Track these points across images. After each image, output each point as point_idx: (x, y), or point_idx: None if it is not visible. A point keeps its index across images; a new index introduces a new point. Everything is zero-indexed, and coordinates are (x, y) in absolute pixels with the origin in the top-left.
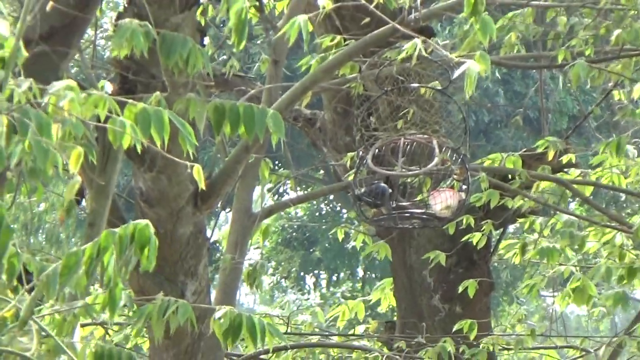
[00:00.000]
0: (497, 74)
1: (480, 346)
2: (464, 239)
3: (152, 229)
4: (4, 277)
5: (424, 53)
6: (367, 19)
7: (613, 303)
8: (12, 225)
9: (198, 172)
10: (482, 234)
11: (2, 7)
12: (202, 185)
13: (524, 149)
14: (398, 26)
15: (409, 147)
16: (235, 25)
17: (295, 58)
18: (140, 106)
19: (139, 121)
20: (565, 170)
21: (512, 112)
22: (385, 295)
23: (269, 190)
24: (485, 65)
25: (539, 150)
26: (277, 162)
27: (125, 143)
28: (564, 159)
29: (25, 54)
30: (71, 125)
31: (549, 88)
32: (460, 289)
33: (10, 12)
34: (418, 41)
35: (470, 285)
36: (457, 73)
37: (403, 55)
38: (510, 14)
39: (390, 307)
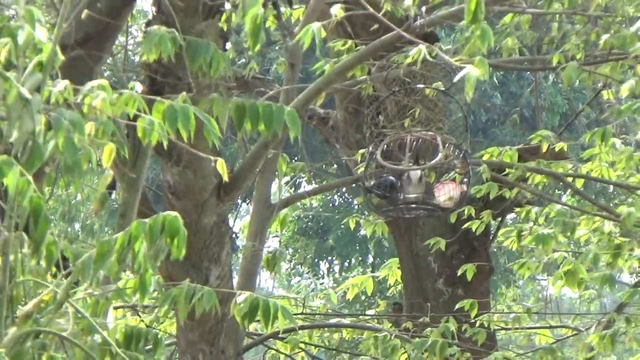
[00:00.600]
0: (494, 78)
1: (478, 323)
2: (465, 226)
3: (180, 220)
4: (43, 263)
5: (428, 57)
6: (376, 26)
7: (601, 284)
8: (50, 216)
9: (222, 166)
10: (482, 222)
11: (40, 15)
12: (225, 178)
13: (520, 144)
14: (404, 33)
15: (415, 143)
16: (250, 29)
17: (309, 62)
18: (167, 103)
19: (166, 116)
20: (559, 160)
21: (509, 111)
22: (392, 273)
23: (286, 183)
24: (484, 69)
25: (533, 143)
26: (293, 158)
27: (153, 140)
28: (557, 146)
29: (61, 57)
30: (103, 123)
31: (542, 87)
32: (460, 272)
33: (48, 20)
34: (422, 47)
35: (469, 269)
36: (457, 77)
37: (409, 59)
38: (506, 17)
39: (399, 290)
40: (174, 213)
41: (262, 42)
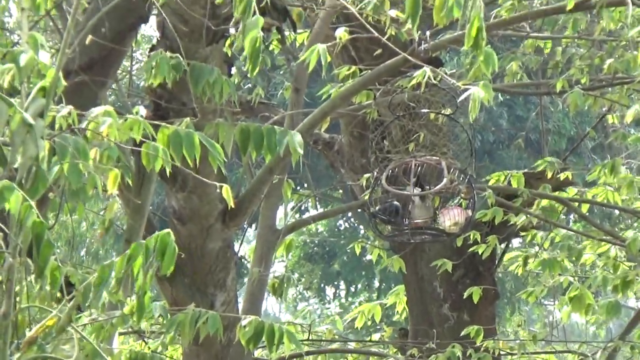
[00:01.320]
0: (500, 97)
1: (483, 349)
2: (470, 250)
3: (172, 237)
4: (47, 288)
5: (432, 80)
6: (380, 51)
7: (607, 312)
8: (55, 242)
9: (227, 192)
10: (487, 246)
11: (43, 40)
12: (231, 204)
13: (525, 169)
14: (409, 57)
15: (419, 168)
16: (249, 52)
17: (315, 86)
18: (172, 128)
19: (171, 142)
20: (563, 188)
21: (515, 134)
22: (399, 300)
23: (292, 208)
24: (489, 93)
25: (539, 169)
26: (298, 183)
27: (157, 166)
28: (562, 176)
29: (64, 83)
30: (108, 148)
31: (548, 111)
32: (466, 295)
33: (52, 46)
34: (427, 69)
35: (474, 292)
36: (461, 97)
37: (413, 81)
38: (528, 43)
39: (405, 316)
40: (167, 230)
41: (266, 66)
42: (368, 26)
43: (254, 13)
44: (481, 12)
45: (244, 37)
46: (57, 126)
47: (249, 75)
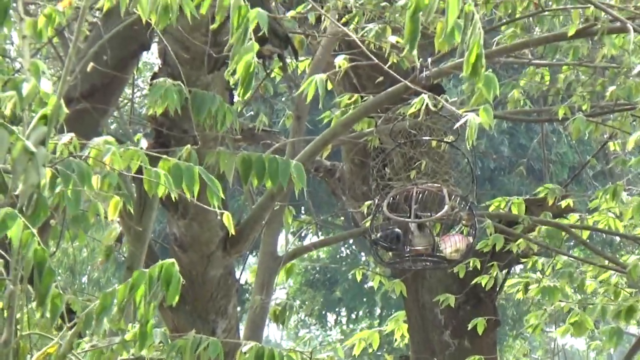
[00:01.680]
0: (502, 125)
1: None
2: (473, 282)
3: (176, 267)
4: (48, 315)
5: (432, 107)
6: (382, 78)
7: (609, 338)
8: (56, 269)
9: (228, 219)
10: (490, 277)
11: (45, 68)
12: (232, 231)
13: (527, 196)
14: (410, 84)
15: (421, 195)
16: (242, 76)
17: (316, 114)
18: (173, 161)
19: (172, 175)
20: (565, 215)
21: (516, 161)
22: (399, 326)
23: (293, 234)
24: (489, 118)
25: (540, 196)
26: (300, 210)
27: (159, 192)
28: (563, 203)
29: (66, 111)
30: (108, 175)
31: (550, 140)
32: (470, 326)
33: (54, 73)
34: (425, 96)
35: (478, 323)
36: (458, 124)
37: (412, 108)
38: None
39: (405, 342)
40: (171, 260)
41: (268, 93)
42: (369, 54)
43: (250, 39)
44: (480, 39)
45: (237, 62)
46: (58, 154)
47: (240, 99)
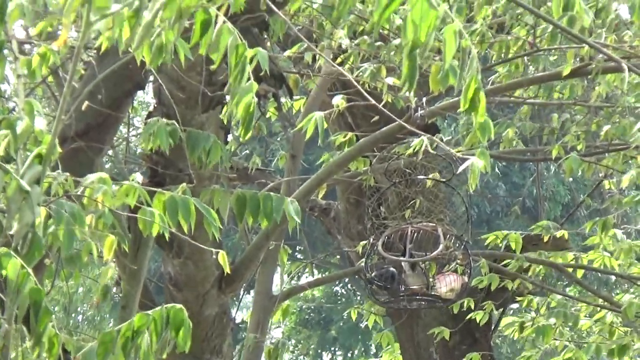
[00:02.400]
0: (497, 169)
1: None
2: (468, 317)
3: (185, 313)
4: (45, 355)
5: (429, 148)
6: (377, 117)
7: None
8: (51, 308)
9: (223, 258)
10: (485, 312)
11: (39, 107)
12: (227, 270)
13: (522, 234)
14: (405, 124)
15: (416, 234)
16: (242, 117)
17: (311, 153)
18: (168, 194)
19: (167, 208)
20: (561, 249)
21: (512, 202)
22: (394, 358)
23: (288, 274)
24: (486, 161)
25: (535, 233)
26: (295, 249)
27: (154, 231)
28: (558, 234)
29: (60, 150)
30: (103, 214)
31: (544, 177)
32: None
33: (48, 112)
34: (425, 138)
35: (473, 357)
36: (461, 168)
37: (411, 149)
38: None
39: None
40: (179, 305)
41: (263, 132)
42: (365, 93)
43: (248, 79)
44: (478, 74)
45: (236, 102)
46: (52, 192)
47: (241, 140)
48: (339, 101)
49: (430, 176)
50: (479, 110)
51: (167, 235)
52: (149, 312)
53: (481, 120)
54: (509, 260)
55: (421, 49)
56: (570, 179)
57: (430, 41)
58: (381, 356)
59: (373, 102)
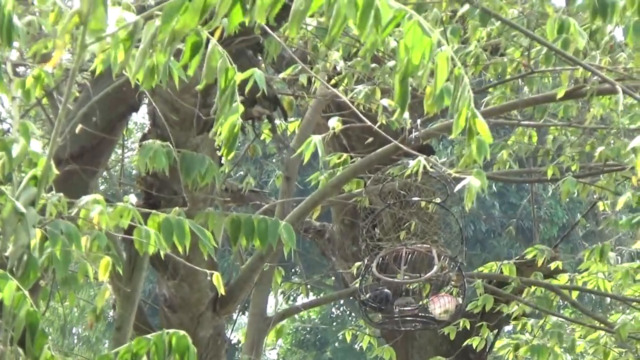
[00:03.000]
0: (494, 188)
1: None
2: (465, 343)
3: (189, 339)
4: None
5: (424, 170)
6: (371, 139)
7: None
8: (47, 329)
9: (218, 280)
10: (481, 339)
11: (34, 129)
12: (221, 291)
13: (517, 257)
14: (400, 145)
15: (410, 256)
16: (226, 138)
17: (306, 175)
18: (162, 216)
19: (162, 230)
20: (554, 276)
21: (507, 222)
22: None
23: (283, 295)
24: (482, 182)
25: (529, 256)
26: (290, 270)
27: (150, 250)
28: (552, 265)
29: (56, 172)
30: (98, 237)
31: (540, 199)
32: None
33: (43, 134)
34: (422, 159)
35: None
36: (458, 187)
37: (408, 171)
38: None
39: None
40: (182, 332)
41: (257, 153)
42: (360, 115)
43: (235, 101)
44: (470, 102)
45: (221, 123)
46: (47, 214)
47: (224, 160)
48: (335, 123)
49: (425, 198)
50: (474, 136)
51: (162, 255)
52: (148, 336)
53: (487, 141)
54: (503, 282)
55: (415, 75)
56: (567, 200)
57: (426, 70)
58: None
59: (369, 123)
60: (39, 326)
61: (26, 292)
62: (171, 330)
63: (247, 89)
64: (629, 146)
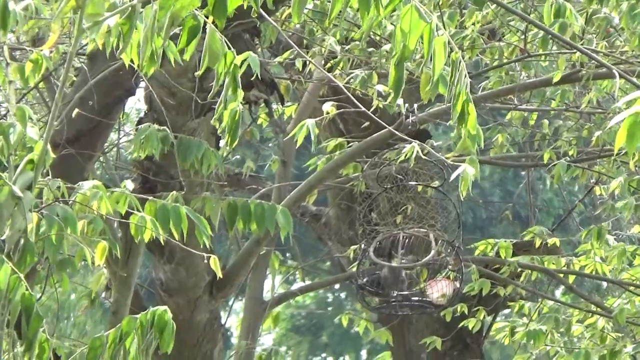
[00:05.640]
0: (494, 175)
1: None
2: (460, 325)
3: (170, 314)
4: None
5: (421, 155)
6: (368, 123)
7: None
8: (43, 314)
9: (215, 263)
10: (477, 320)
11: (31, 113)
12: (219, 275)
13: (514, 241)
14: (395, 131)
15: (407, 240)
16: (229, 125)
17: (303, 159)
18: (159, 203)
19: (158, 217)
20: (551, 255)
21: (503, 210)
22: None
23: (281, 278)
24: (476, 168)
25: (526, 239)
26: (286, 254)
27: (146, 237)
28: (550, 242)
29: (52, 156)
30: (95, 221)
31: (538, 190)
32: None
33: (40, 118)
34: (415, 144)
35: None
36: (453, 176)
37: (402, 157)
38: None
39: None
40: (164, 307)
41: (254, 138)
42: (355, 100)
43: (237, 87)
44: (467, 87)
45: (224, 108)
46: (44, 198)
47: (229, 148)
48: (329, 108)
49: (422, 182)
50: (468, 122)
51: (162, 240)
52: (137, 316)
53: (472, 132)
54: (500, 266)
55: (410, 60)
56: (563, 189)
57: (418, 52)
58: None
59: (363, 109)
60: (34, 309)
61: (21, 276)
62: (155, 308)
63: (241, 72)
64: (609, 124)
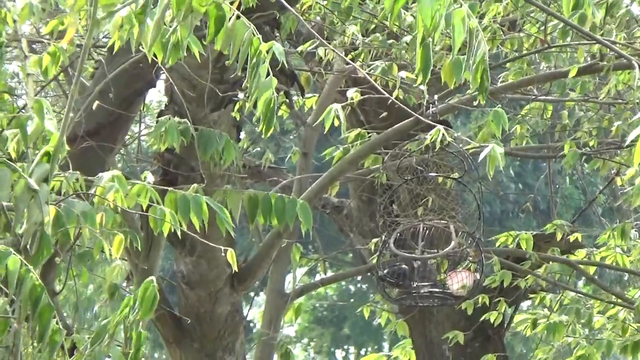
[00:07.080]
0: (511, 171)
1: None
2: (482, 318)
3: (156, 287)
4: (47, 350)
5: (443, 143)
6: (386, 113)
7: None
8: (62, 306)
9: (232, 256)
10: (499, 313)
11: (49, 105)
12: (234, 268)
13: (534, 232)
14: (420, 117)
15: (428, 232)
16: (263, 113)
17: (324, 150)
18: (180, 193)
19: (179, 207)
20: (573, 251)
21: (524, 201)
22: (405, 352)
23: (300, 267)
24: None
25: (548, 232)
26: (308, 247)
27: (165, 230)
28: (572, 237)
29: (67, 148)
30: (112, 214)
31: (558, 181)
32: None
33: (59, 111)
34: (441, 128)
35: (488, 359)
36: (482, 155)
37: (427, 141)
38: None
39: None
40: (151, 277)
41: (275, 130)
42: (378, 87)
43: (268, 74)
44: (486, 55)
45: (256, 98)
46: (63, 191)
47: (263, 136)
48: (353, 94)
49: (443, 173)
50: (485, 91)
51: (179, 233)
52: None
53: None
54: (521, 257)
55: (433, 35)
56: (584, 181)
57: (440, 25)
58: (393, 350)
59: (386, 95)
60: (44, 300)
61: (30, 267)
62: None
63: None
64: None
